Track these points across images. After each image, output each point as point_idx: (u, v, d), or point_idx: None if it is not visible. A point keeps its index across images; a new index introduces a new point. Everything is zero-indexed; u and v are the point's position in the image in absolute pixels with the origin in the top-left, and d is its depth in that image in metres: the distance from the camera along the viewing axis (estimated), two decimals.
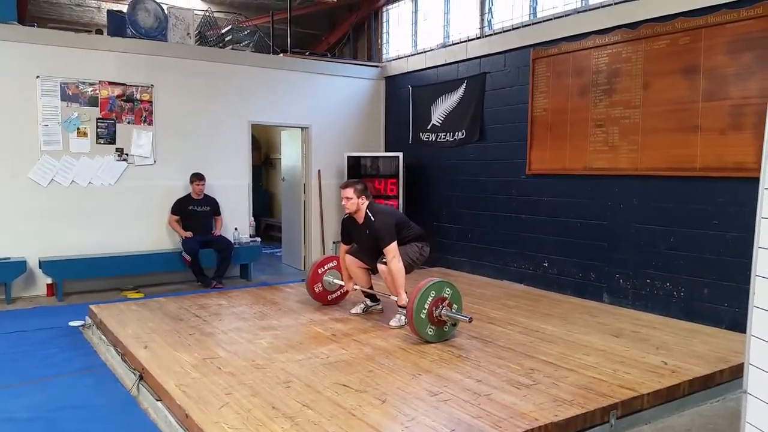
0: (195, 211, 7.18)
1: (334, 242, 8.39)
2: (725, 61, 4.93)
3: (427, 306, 4.18)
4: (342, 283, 5.23)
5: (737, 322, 4.70)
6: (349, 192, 4.69)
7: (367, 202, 4.77)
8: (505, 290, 6.31)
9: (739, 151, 4.84)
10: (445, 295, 4.28)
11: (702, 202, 5.11)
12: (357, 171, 8.16)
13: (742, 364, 3.77)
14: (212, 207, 7.33)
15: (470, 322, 4.25)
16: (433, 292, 4.23)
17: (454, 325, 4.38)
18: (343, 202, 4.77)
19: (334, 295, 5.39)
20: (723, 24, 4.93)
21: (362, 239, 4.84)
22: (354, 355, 3.94)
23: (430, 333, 4.24)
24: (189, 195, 7.22)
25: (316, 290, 5.31)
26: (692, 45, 5.14)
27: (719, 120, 4.97)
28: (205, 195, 7.28)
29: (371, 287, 5.06)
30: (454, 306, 4.31)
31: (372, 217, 4.68)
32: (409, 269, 4.76)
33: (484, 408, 3.09)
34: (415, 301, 4.15)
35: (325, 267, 5.34)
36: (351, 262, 4.97)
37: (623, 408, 3.23)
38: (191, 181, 7.16)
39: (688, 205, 5.21)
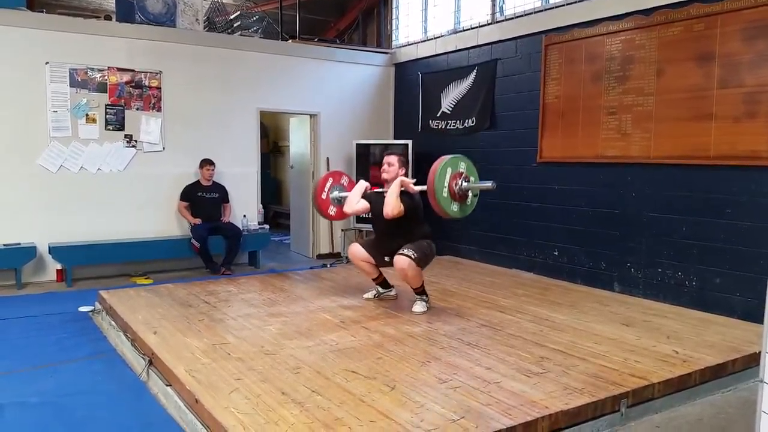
0: (204, 198, 7.19)
1: (342, 230, 8.39)
2: (740, 48, 4.85)
3: (447, 184, 4.28)
4: (347, 194, 5.18)
5: (750, 312, 4.65)
6: (394, 159, 4.79)
7: (402, 176, 4.77)
8: (515, 279, 6.28)
9: (753, 139, 4.78)
10: (461, 169, 4.37)
11: (715, 190, 5.05)
12: (366, 158, 8.14)
13: (755, 353, 3.78)
14: (221, 194, 7.34)
15: (494, 187, 4.39)
16: (449, 168, 4.30)
17: (476, 195, 4.48)
18: (383, 167, 4.80)
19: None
20: (739, 10, 4.85)
21: (382, 207, 4.71)
22: (363, 342, 3.94)
23: (455, 210, 4.38)
24: (198, 181, 7.22)
25: (332, 213, 5.35)
26: (707, 32, 5.06)
27: (733, 108, 4.90)
28: (214, 182, 7.28)
29: (380, 273, 5.03)
30: (472, 178, 4.40)
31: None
32: (425, 262, 4.69)
33: (494, 396, 3.08)
34: (434, 182, 4.22)
35: (326, 188, 5.29)
36: (355, 256, 4.92)
37: (634, 397, 3.21)
38: (201, 166, 7.17)
39: (700, 193, 5.16)
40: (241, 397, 3.02)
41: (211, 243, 7.04)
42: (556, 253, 6.43)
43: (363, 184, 5.01)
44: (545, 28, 6.46)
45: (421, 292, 4.78)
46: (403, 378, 3.31)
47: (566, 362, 3.60)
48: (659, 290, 5.45)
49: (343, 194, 5.24)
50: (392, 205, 4.51)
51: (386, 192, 4.68)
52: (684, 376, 3.47)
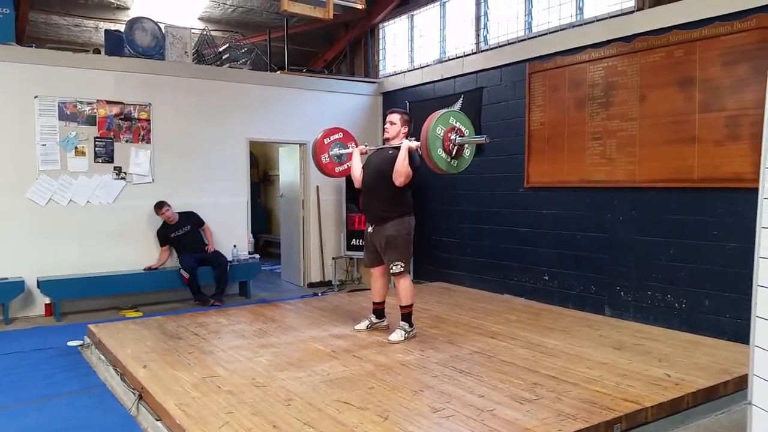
0: (179, 236, 7.06)
1: (333, 258, 8.38)
2: (720, 73, 4.97)
3: (441, 140, 4.24)
4: (349, 150, 5.19)
5: (739, 333, 4.68)
6: (395, 118, 4.74)
7: (405, 137, 4.71)
8: (506, 304, 6.28)
9: (736, 161, 4.86)
10: (452, 123, 4.33)
11: (701, 213, 5.12)
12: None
13: (746, 375, 3.77)
14: (192, 222, 7.17)
15: (487, 141, 4.41)
16: (440, 127, 4.26)
17: (473, 151, 4.48)
18: (386, 126, 4.78)
19: (341, 168, 5.36)
20: (717, 36, 4.98)
21: (380, 163, 4.68)
22: (355, 372, 3.91)
23: (454, 165, 4.38)
24: (165, 223, 7.02)
25: (338, 171, 5.36)
26: (687, 57, 5.18)
27: (716, 131, 4.99)
28: (179, 214, 7.07)
29: (384, 300, 5.01)
30: (465, 131, 4.37)
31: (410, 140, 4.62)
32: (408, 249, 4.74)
33: (487, 424, 3.06)
34: (427, 143, 4.19)
35: (331, 138, 5.30)
36: (373, 272, 4.97)
37: (627, 421, 3.20)
38: (156, 212, 6.93)
39: (686, 216, 5.22)
40: (232, 431, 2.98)
41: (200, 274, 7.00)
42: (547, 278, 6.46)
43: (357, 153, 5.01)
44: (528, 57, 6.58)
45: (407, 316, 4.74)
46: (395, 408, 3.29)
47: (559, 388, 3.60)
48: (649, 313, 5.47)
49: (343, 151, 5.28)
50: (405, 174, 4.50)
51: (385, 149, 4.72)
52: (676, 399, 3.48)
